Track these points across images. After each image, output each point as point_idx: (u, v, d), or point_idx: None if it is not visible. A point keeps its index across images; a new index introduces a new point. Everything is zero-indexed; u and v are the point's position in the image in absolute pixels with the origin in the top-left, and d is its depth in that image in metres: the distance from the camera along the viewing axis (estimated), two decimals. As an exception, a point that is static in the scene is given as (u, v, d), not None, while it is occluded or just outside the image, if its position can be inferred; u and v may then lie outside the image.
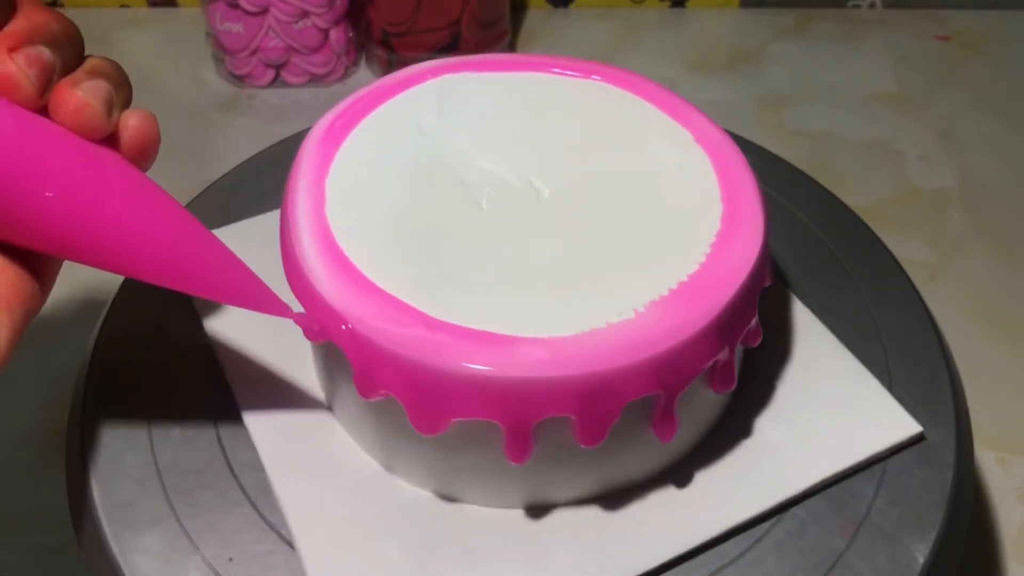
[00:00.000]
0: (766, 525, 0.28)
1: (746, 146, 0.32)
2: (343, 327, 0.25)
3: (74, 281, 0.47)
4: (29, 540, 0.40)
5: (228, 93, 0.61)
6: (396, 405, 0.26)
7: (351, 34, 0.61)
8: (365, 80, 0.62)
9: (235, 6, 0.57)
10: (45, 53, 0.23)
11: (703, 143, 0.30)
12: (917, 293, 0.34)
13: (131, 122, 0.25)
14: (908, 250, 0.51)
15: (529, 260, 0.27)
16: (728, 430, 0.30)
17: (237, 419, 0.30)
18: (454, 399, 0.25)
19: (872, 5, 0.68)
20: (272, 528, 0.28)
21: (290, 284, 0.27)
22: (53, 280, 0.26)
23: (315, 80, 0.61)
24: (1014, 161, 0.57)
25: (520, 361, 0.24)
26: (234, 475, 0.29)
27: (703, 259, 0.27)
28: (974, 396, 0.33)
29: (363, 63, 0.63)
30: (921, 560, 0.27)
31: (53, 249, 0.24)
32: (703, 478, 0.29)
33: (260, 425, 0.30)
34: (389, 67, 0.61)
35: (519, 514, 0.28)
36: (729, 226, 0.28)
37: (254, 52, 0.59)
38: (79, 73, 0.24)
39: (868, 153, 0.58)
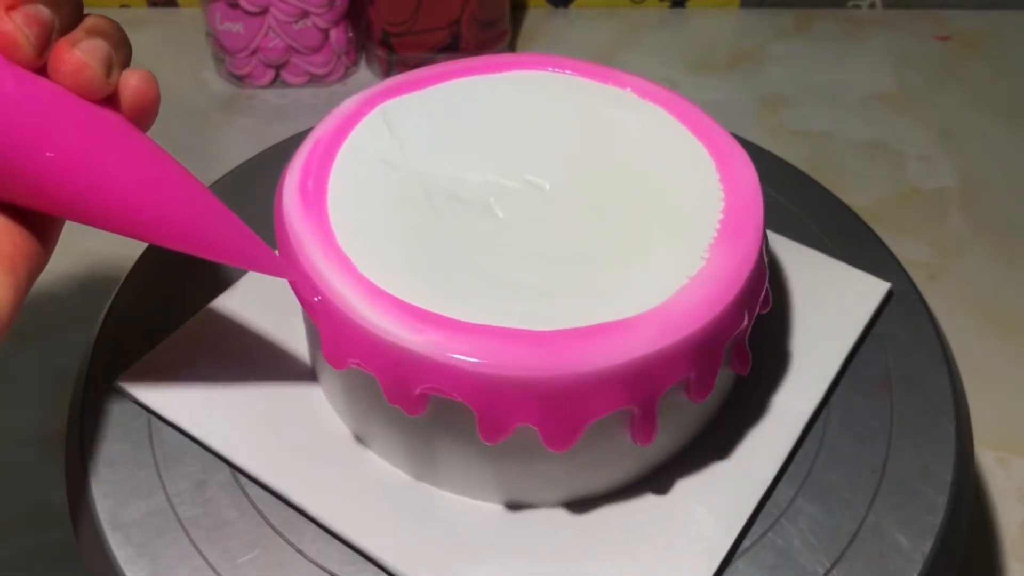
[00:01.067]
0: (765, 526, 0.28)
1: (746, 146, 0.32)
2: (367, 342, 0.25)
3: (74, 280, 0.48)
4: (29, 540, 0.40)
5: (228, 93, 0.61)
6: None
7: (351, 34, 0.61)
8: (365, 80, 0.62)
9: (235, 6, 0.57)
10: (44, 12, 0.23)
11: (702, 139, 0.30)
12: (917, 293, 0.34)
13: (131, 81, 0.25)
14: (908, 250, 0.51)
15: (531, 260, 0.27)
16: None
17: (237, 419, 0.30)
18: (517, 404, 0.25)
19: (872, 5, 0.68)
20: (274, 528, 0.28)
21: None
22: (56, 240, 0.26)
23: (315, 80, 0.61)
24: (1014, 161, 0.57)
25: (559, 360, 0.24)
26: (234, 475, 0.29)
27: (705, 258, 0.27)
28: (974, 396, 0.33)
29: (363, 63, 0.63)
30: (921, 560, 0.27)
31: (54, 209, 0.24)
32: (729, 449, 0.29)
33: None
34: (389, 67, 0.61)
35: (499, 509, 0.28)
36: (730, 225, 0.28)
37: (254, 52, 0.59)
38: (78, 32, 0.24)
39: (868, 153, 0.58)
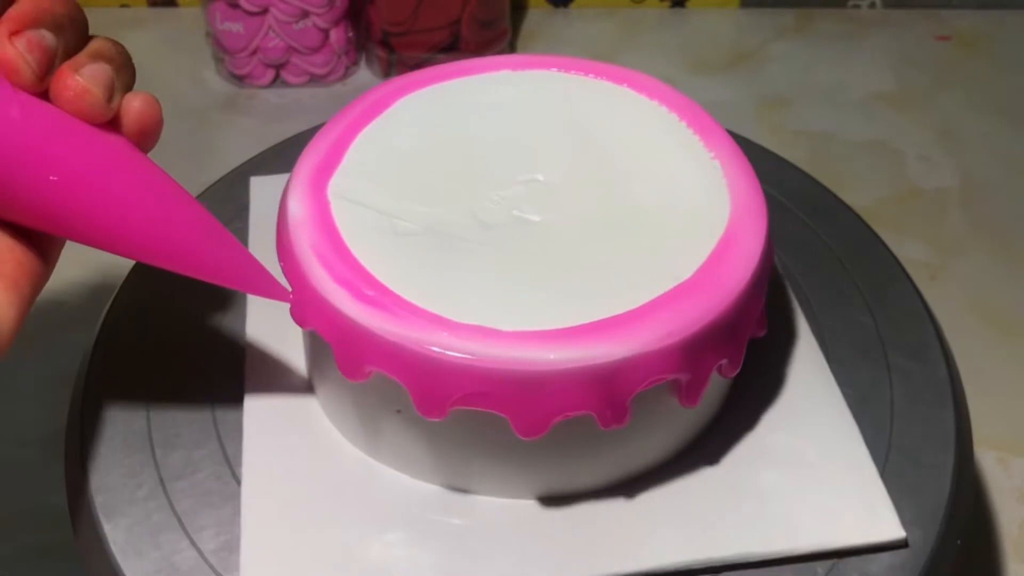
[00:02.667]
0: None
1: (746, 146, 0.32)
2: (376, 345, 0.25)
3: (74, 281, 0.47)
4: (29, 540, 0.40)
5: (228, 93, 0.61)
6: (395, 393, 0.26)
7: (351, 34, 0.61)
8: (365, 80, 0.62)
9: (235, 6, 0.57)
10: (47, 38, 0.23)
11: (703, 137, 0.31)
12: (917, 293, 0.34)
13: (134, 105, 0.25)
14: (908, 250, 0.51)
15: (534, 262, 0.27)
16: (713, 467, 0.29)
17: (238, 420, 0.30)
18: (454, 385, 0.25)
19: (872, 5, 0.68)
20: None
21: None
22: (57, 256, 0.26)
23: (315, 80, 0.61)
24: (1014, 161, 0.57)
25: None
26: (235, 476, 0.29)
27: (708, 256, 0.27)
28: (974, 396, 0.33)
29: (363, 63, 0.63)
30: (921, 560, 0.27)
31: (57, 230, 0.24)
32: (667, 503, 0.28)
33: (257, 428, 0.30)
34: (389, 67, 0.61)
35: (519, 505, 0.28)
36: (734, 225, 0.28)
37: (254, 52, 0.59)
38: (81, 56, 0.24)
39: (868, 153, 0.58)
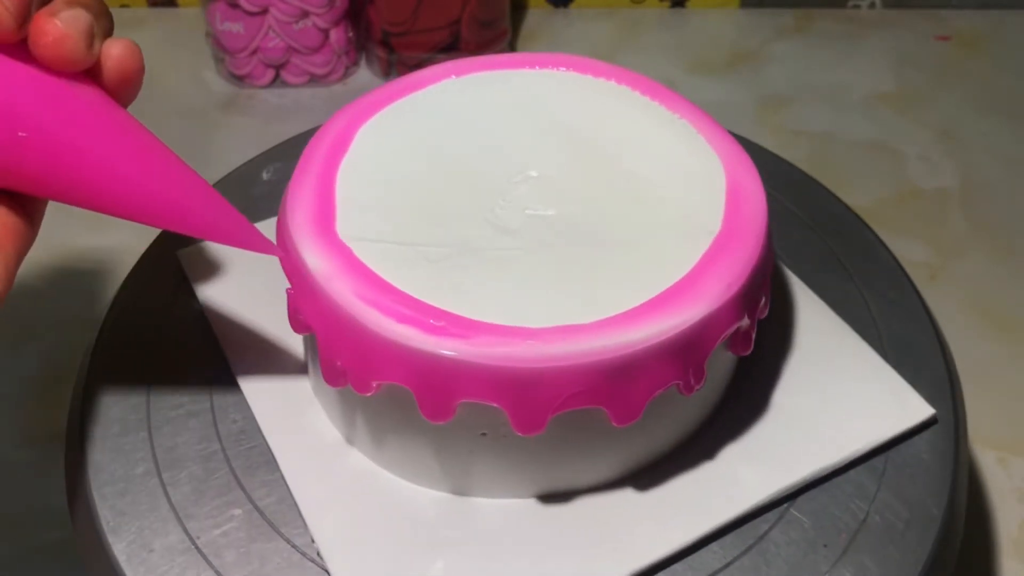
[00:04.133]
0: (764, 526, 0.28)
1: (746, 146, 0.32)
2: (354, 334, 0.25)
3: (74, 281, 0.48)
4: (29, 540, 0.40)
5: (228, 93, 0.61)
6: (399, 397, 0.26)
7: (351, 34, 0.61)
8: (365, 80, 0.62)
9: (235, 6, 0.57)
10: None
11: (703, 134, 0.31)
12: (917, 293, 0.34)
13: (113, 51, 0.24)
14: (908, 250, 0.51)
15: (537, 260, 0.27)
16: (739, 413, 0.30)
17: (239, 422, 0.30)
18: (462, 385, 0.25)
19: (872, 5, 0.68)
20: (276, 531, 0.28)
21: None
22: (42, 215, 0.26)
23: (315, 80, 0.61)
24: (1014, 161, 0.57)
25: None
26: (235, 476, 0.29)
27: (707, 254, 0.27)
28: (974, 396, 0.33)
29: (363, 63, 0.63)
30: (921, 560, 0.27)
31: (33, 189, 0.24)
32: (708, 465, 0.29)
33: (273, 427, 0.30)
34: (389, 67, 0.61)
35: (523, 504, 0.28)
36: (730, 224, 0.28)
37: (254, 52, 0.59)
38: (58, 2, 0.23)
39: (868, 153, 0.58)
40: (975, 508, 0.41)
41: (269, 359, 0.31)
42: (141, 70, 0.25)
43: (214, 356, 0.32)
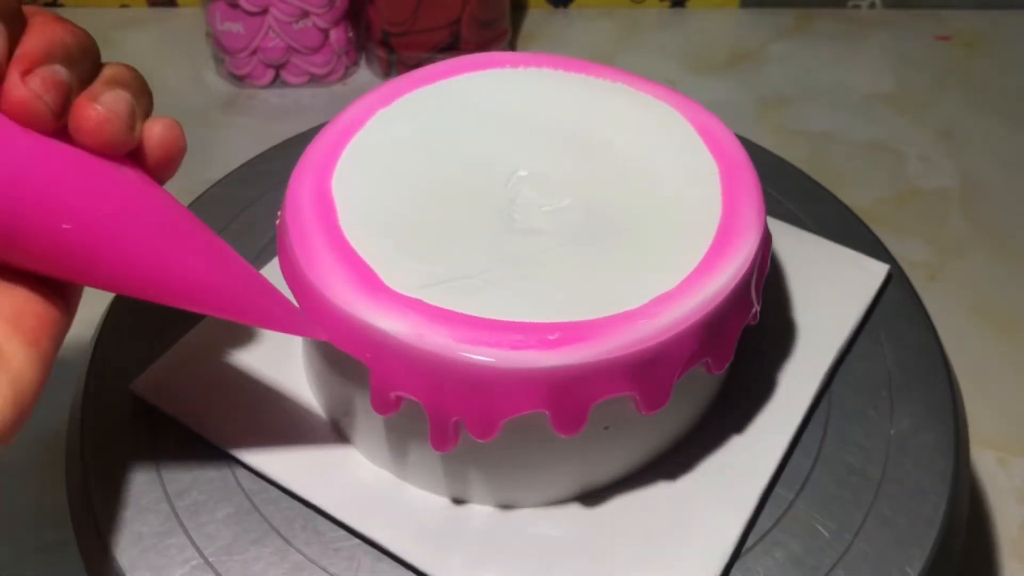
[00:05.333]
0: (768, 524, 0.28)
1: (746, 146, 0.32)
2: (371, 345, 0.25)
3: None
4: (29, 540, 0.40)
5: (228, 93, 0.61)
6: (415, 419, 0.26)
7: (351, 34, 0.61)
8: (365, 80, 0.62)
9: (235, 6, 0.57)
10: (60, 73, 0.22)
11: (701, 132, 0.31)
12: (917, 293, 0.34)
13: (155, 131, 0.24)
14: (908, 250, 0.51)
15: (544, 257, 0.27)
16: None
17: (237, 419, 0.30)
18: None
19: (872, 5, 0.68)
20: (272, 527, 0.28)
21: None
22: (78, 302, 0.25)
23: (315, 80, 0.61)
24: (1014, 161, 0.57)
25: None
26: (235, 475, 0.29)
27: (707, 251, 0.27)
28: (974, 396, 0.33)
29: (363, 63, 0.63)
30: (921, 560, 0.27)
31: (74, 277, 0.23)
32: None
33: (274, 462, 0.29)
34: (389, 67, 0.61)
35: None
36: (728, 221, 0.28)
37: (254, 52, 0.59)
38: (97, 85, 0.23)
39: (868, 153, 0.58)
40: (975, 508, 0.41)
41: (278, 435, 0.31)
42: (183, 149, 0.24)
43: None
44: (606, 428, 0.27)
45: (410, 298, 0.25)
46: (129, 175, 0.23)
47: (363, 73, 0.63)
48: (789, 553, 0.27)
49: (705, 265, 0.26)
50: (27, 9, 0.22)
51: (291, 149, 0.31)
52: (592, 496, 0.28)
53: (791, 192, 0.38)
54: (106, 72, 0.23)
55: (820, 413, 0.31)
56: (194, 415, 0.30)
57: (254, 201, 0.37)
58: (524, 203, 0.28)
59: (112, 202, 0.23)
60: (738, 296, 0.26)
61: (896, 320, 0.33)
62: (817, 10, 0.68)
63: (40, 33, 0.22)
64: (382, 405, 0.26)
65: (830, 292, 0.33)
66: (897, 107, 0.61)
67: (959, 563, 0.29)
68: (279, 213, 0.28)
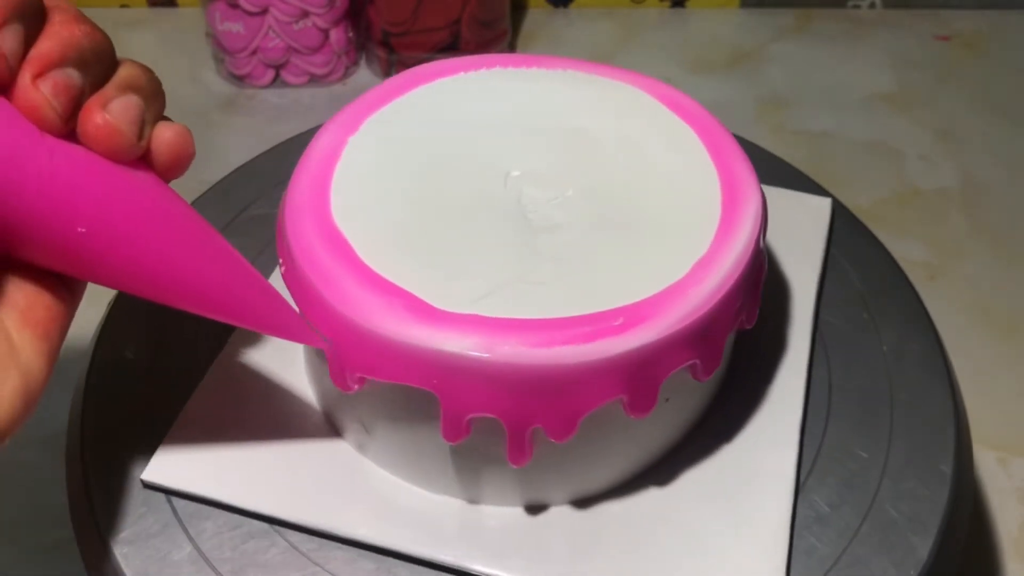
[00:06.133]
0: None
1: (746, 146, 0.32)
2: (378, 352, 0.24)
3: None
4: (29, 540, 0.40)
5: (228, 93, 0.61)
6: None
7: (351, 34, 0.61)
8: (365, 80, 0.62)
9: (235, 6, 0.57)
10: (73, 77, 0.22)
11: (697, 129, 0.31)
12: (917, 293, 0.34)
13: (165, 136, 0.24)
14: (908, 250, 0.51)
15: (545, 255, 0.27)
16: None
17: (237, 419, 0.30)
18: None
19: (872, 5, 0.68)
20: (272, 526, 0.28)
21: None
22: (82, 295, 0.25)
23: (315, 80, 0.61)
24: (1014, 161, 0.57)
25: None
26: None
27: (707, 250, 0.27)
28: (974, 396, 0.33)
29: (363, 63, 0.63)
30: (921, 560, 0.27)
31: (86, 277, 0.23)
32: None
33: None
34: (389, 67, 0.61)
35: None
36: (727, 219, 0.28)
37: (254, 52, 0.59)
38: (109, 88, 0.23)
39: (868, 153, 0.58)
40: (975, 508, 0.41)
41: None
42: (191, 156, 0.24)
43: (215, 354, 0.32)
44: (667, 400, 0.27)
45: (467, 315, 0.24)
46: (142, 178, 0.23)
47: (363, 73, 0.63)
48: (791, 550, 0.27)
49: (724, 227, 0.27)
50: (49, 2, 0.22)
51: (291, 149, 0.31)
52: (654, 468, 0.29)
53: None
54: (120, 74, 0.23)
55: (819, 418, 0.30)
56: (212, 488, 0.28)
57: (254, 201, 0.37)
58: (530, 201, 0.28)
59: (126, 206, 0.23)
60: (758, 251, 0.27)
61: (896, 320, 0.33)
62: (817, 10, 0.68)
63: (57, 34, 0.22)
64: (454, 432, 0.25)
65: (788, 238, 0.34)
66: (897, 107, 0.61)
67: (960, 563, 0.29)
68: (280, 260, 0.27)
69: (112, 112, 0.22)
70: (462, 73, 0.32)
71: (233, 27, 0.58)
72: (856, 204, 0.39)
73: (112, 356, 0.32)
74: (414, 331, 0.24)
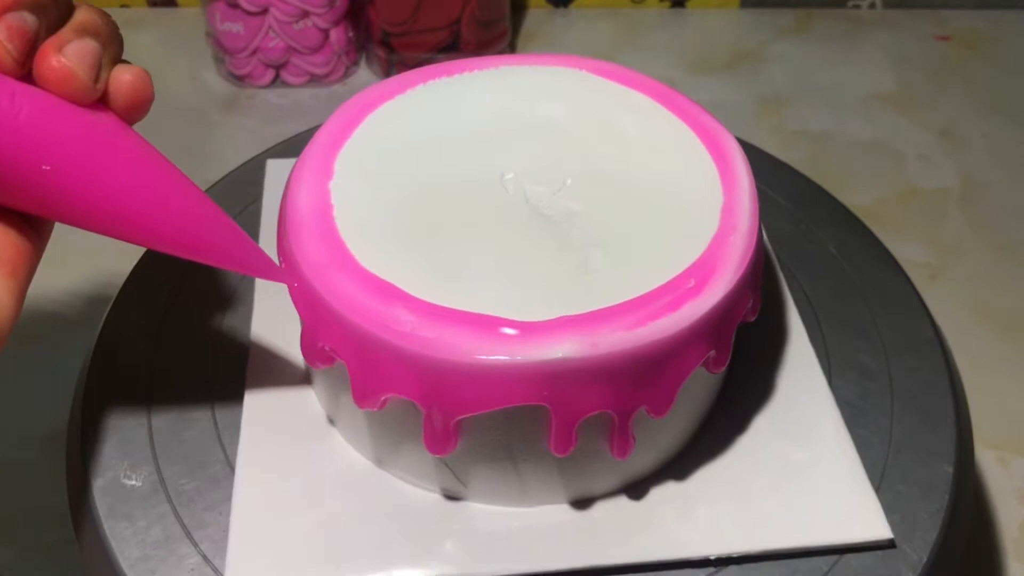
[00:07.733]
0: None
1: (746, 146, 0.32)
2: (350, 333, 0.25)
3: (75, 281, 0.48)
4: (29, 540, 0.40)
5: (228, 93, 0.61)
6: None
7: (351, 34, 0.61)
8: (365, 80, 0.62)
9: (235, 6, 0.57)
10: (27, 20, 0.22)
11: (695, 129, 0.31)
12: (917, 293, 0.34)
13: (124, 79, 0.24)
14: (908, 250, 0.51)
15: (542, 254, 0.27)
16: (705, 453, 0.29)
17: (239, 420, 0.30)
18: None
19: (872, 5, 0.68)
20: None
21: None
22: (49, 236, 0.26)
23: (315, 80, 0.61)
24: (1014, 161, 0.57)
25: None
26: (235, 474, 0.29)
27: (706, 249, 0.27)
28: (974, 396, 0.33)
29: (363, 63, 0.63)
30: (922, 560, 0.27)
31: (53, 216, 0.24)
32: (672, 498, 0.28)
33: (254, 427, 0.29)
34: (389, 67, 0.61)
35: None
36: (726, 218, 0.28)
37: (254, 52, 0.59)
38: (66, 31, 0.23)
39: (868, 153, 0.58)
40: (976, 508, 0.41)
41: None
42: (151, 98, 0.25)
43: (215, 354, 0.32)
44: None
45: (552, 320, 0.24)
46: (103, 119, 0.24)
47: (363, 73, 0.63)
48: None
49: (728, 199, 0.27)
50: None
51: (291, 149, 0.31)
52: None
53: (791, 192, 0.38)
54: (76, 18, 0.23)
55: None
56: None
57: (254, 201, 0.37)
58: (537, 195, 0.28)
59: (89, 145, 0.23)
60: (754, 195, 0.28)
61: (897, 320, 0.33)
62: (817, 10, 0.68)
63: None
64: (564, 443, 0.24)
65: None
66: (897, 107, 0.61)
67: (960, 563, 0.29)
68: (293, 283, 0.26)
69: (67, 55, 0.23)
70: (445, 77, 0.32)
71: (233, 27, 0.58)
72: (856, 204, 0.39)
73: (112, 356, 0.32)
74: (515, 349, 0.23)
